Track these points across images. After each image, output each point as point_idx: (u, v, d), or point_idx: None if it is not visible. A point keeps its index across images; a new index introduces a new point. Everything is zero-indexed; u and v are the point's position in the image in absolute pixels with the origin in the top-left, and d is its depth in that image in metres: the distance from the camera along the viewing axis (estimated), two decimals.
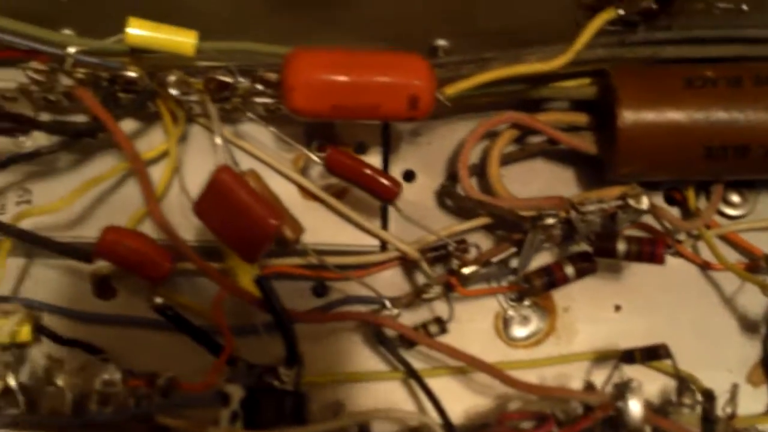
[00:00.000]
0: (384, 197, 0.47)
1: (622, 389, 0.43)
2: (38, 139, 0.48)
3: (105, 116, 0.45)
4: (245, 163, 0.49)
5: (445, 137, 0.53)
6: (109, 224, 0.45)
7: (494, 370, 0.44)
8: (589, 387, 0.48)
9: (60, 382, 0.46)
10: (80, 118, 0.49)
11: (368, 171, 0.46)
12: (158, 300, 0.46)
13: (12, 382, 0.45)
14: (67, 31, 0.48)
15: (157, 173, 0.49)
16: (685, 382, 0.47)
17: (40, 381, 0.47)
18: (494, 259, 0.48)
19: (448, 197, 0.51)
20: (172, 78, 0.46)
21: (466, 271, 0.47)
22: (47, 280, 0.50)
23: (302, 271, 0.49)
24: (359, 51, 0.45)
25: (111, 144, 0.49)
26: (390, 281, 0.51)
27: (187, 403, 0.45)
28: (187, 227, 0.47)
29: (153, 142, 0.49)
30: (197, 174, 0.47)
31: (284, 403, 0.44)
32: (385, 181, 0.46)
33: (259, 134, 0.50)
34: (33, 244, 0.46)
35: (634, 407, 0.42)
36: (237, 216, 0.42)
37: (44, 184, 0.49)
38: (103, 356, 0.48)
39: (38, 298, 0.49)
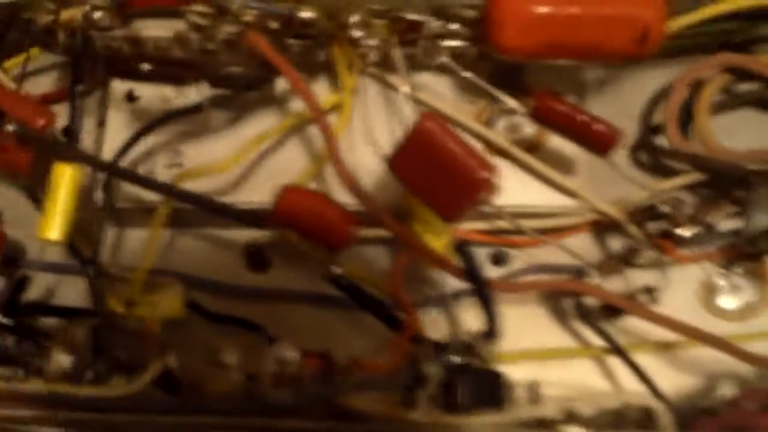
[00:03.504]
0: (600, 147, 0.41)
1: None
2: (189, 96, 0.43)
3: (281, 62, 0.40)
4: None
5: (634, 87, 0.47)
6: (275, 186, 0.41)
7: (731, 347, 0.39)
8: None
9: (229, 361, 0.41)
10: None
11: (584, 117, 0.41)
12: (337, 270, 0.41)
13: (173, 362, 0.41)
14: None
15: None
16: None
17: (199, 362, 0.42)
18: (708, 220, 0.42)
19: (647, 152, 0.45)
20: (355, 18, 0.41)
21: (685, 233, 0.41)
22: (194, 252, 0.46)
23: (487, 237, 0.44)
24: None
25: (265, 101, 0.45)
26: (576, 247, 0.45)
27: (377, 384, 0.40)
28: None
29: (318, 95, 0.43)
30: (367, 131, 0.43)
31: (482, 382, 0.39)
32: (601, 128, 0.40)
33: (436, 85, 0.44)
34: (202, 209, 0.41)
35: None
36: (441, 169, 0.36)
37: (196, 144, 0.44)
38: (267, 334, 0.43)
39: (185, 271, 0.44)
